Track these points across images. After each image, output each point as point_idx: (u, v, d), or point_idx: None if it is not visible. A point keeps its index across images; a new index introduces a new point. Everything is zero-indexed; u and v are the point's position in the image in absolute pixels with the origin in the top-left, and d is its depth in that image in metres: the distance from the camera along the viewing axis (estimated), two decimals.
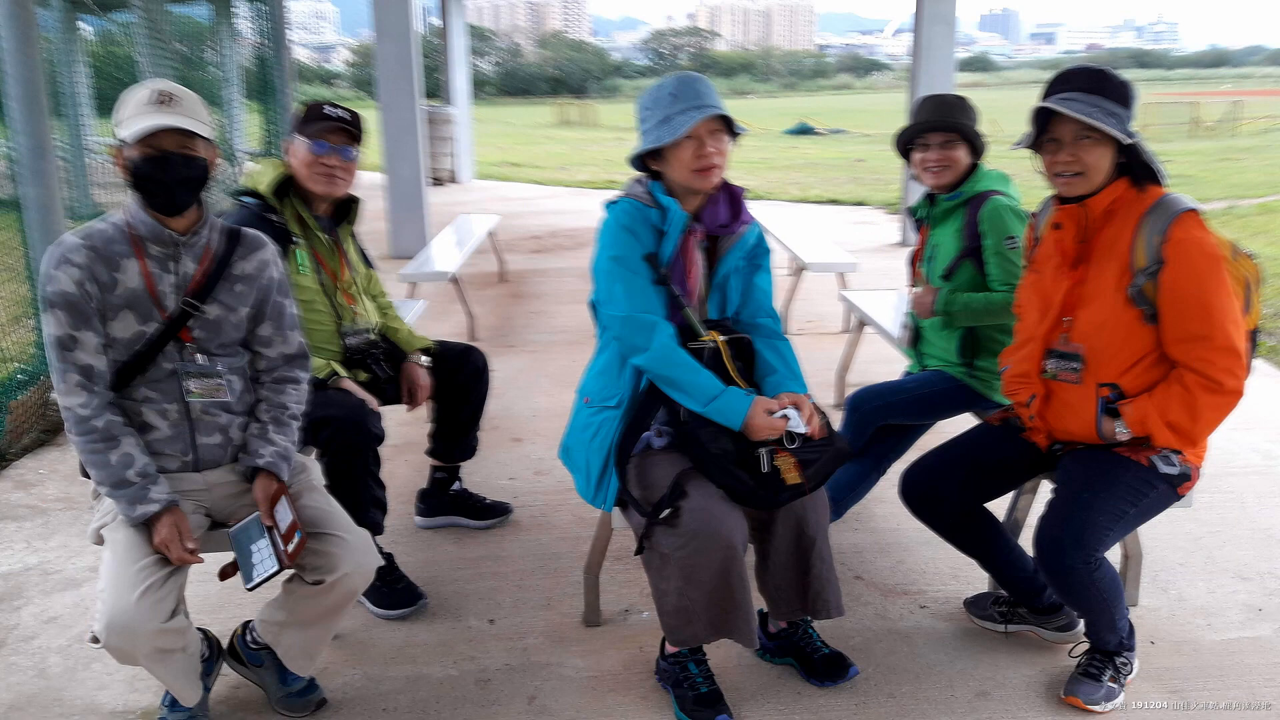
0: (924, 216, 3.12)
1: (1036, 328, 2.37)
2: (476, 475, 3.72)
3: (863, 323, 4.53)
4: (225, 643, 2.43)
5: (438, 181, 13.43)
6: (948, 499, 2.49)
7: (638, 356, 2.29)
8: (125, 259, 2.11)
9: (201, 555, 2.11)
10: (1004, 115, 20.33)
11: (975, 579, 2.92)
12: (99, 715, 2.38)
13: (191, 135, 2.07)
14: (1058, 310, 2.31)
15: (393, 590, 2.81)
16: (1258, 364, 4.47)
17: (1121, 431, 2.25)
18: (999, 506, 2.67)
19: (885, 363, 4.95)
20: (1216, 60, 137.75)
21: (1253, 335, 2.28)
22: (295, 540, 2.08)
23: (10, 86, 4.10)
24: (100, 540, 2.16)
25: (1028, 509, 2.91)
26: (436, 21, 15.02)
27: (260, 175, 2.79)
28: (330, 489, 2.48)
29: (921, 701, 2.39)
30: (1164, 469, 2.25)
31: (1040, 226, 2.42)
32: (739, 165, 16.82)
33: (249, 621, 2.39)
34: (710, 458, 2.23)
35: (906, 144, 3.04)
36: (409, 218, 8.44)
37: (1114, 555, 2.38)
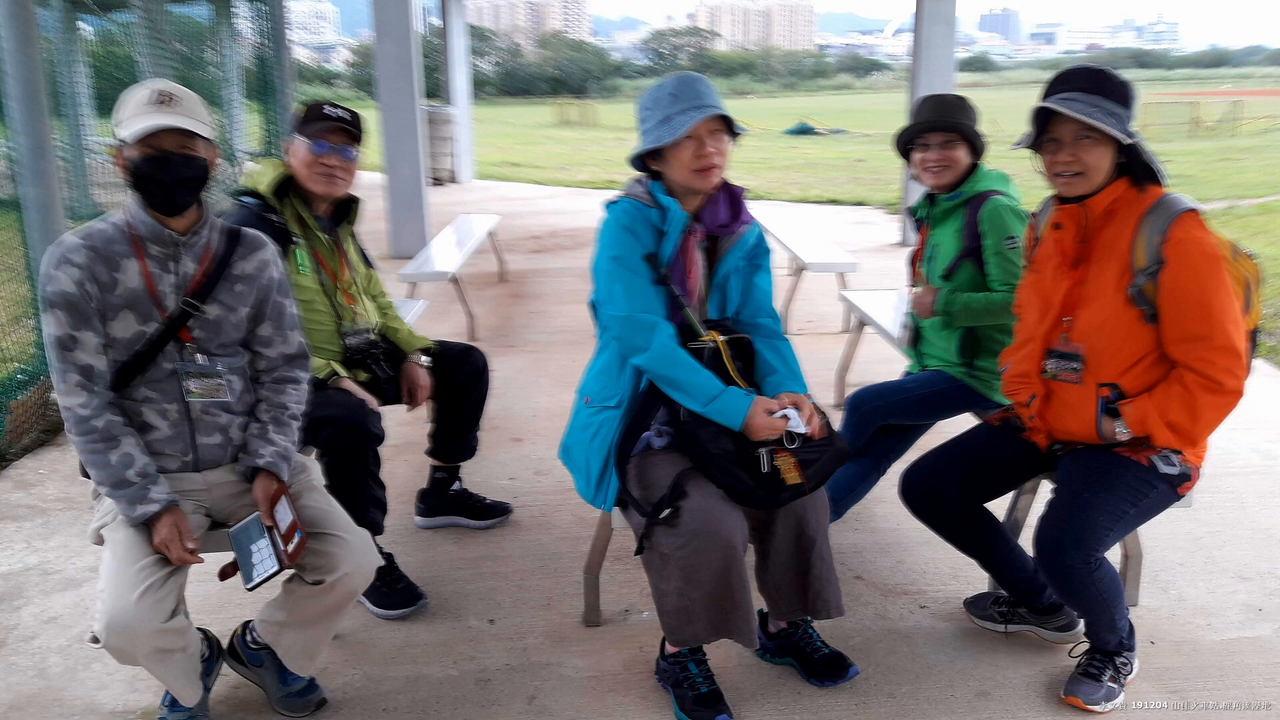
0: (924, 216, 3.12)
1: (1036, 328, 2.37)
2: (476, 475, 3.72)
3: (863, 323, 4.53)
4: (225, 643, 2.43)
5: (438, 181, 13.43)
6: (948, 499, 2.49)
7: (638, 356, 2.29)
8: (125, 259, 2.11)
9: (201, 555, 2.11)
10: (1004, 115, 20.33)
11: (975, 579, 2.92)
12: (99, 715, 2.38)
13: (191, 135, 2.07)
14: (1058, 310, 2.31)
15: (393, 590, 2.81)
16: (1258, 364, 4.47)
17: (1121, 431, 2.25)
18: (999, 506, 2.67)
19: (885, 363, 4.95)
20: (1216, 60, 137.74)
21: (1253, 335, 2.28)
22: (295, 540, 2.08)
23: (10, 86, 4.10)
24: (100, 540, 2.16)
25: (1028, 509, 2.91)
26: (436, 21, 15.02)
27: (260, 175, 2.79)
28: (330, 489, 2.48)
29: (921, 701, 2.39)
30: (1164, 469, 2.25)
31: (1040, 226, 2.42)
32: (739, 165, 16.82)
33: (249, 621, 2.39)
34: (710, 458, 2.23)
35: (906, 144, 3.04)
36: (409, 218, 8.44)
37: (1114, 555, 2.38)
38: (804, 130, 29.88)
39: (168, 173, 2.05)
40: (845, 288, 5.33)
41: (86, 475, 2.19)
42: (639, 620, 2.77)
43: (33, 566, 3.12)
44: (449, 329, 5.96)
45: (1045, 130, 2.23)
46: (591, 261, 2.39)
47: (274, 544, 2.09)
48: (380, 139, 8.11)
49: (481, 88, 61.28)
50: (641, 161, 2.37)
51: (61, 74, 8.97)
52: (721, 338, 2.36)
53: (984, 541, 2.56)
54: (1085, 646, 2.44)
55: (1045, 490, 2.47)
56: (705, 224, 2.37)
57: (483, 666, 2.56)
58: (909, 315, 3.20)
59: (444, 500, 3.35)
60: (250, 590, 2.06)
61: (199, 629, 2.31)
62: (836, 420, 2.90)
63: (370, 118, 3.86)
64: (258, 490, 2.20)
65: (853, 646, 2.60)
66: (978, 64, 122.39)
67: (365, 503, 2.66)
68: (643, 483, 2.31)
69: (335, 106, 2.78)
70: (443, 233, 7.10)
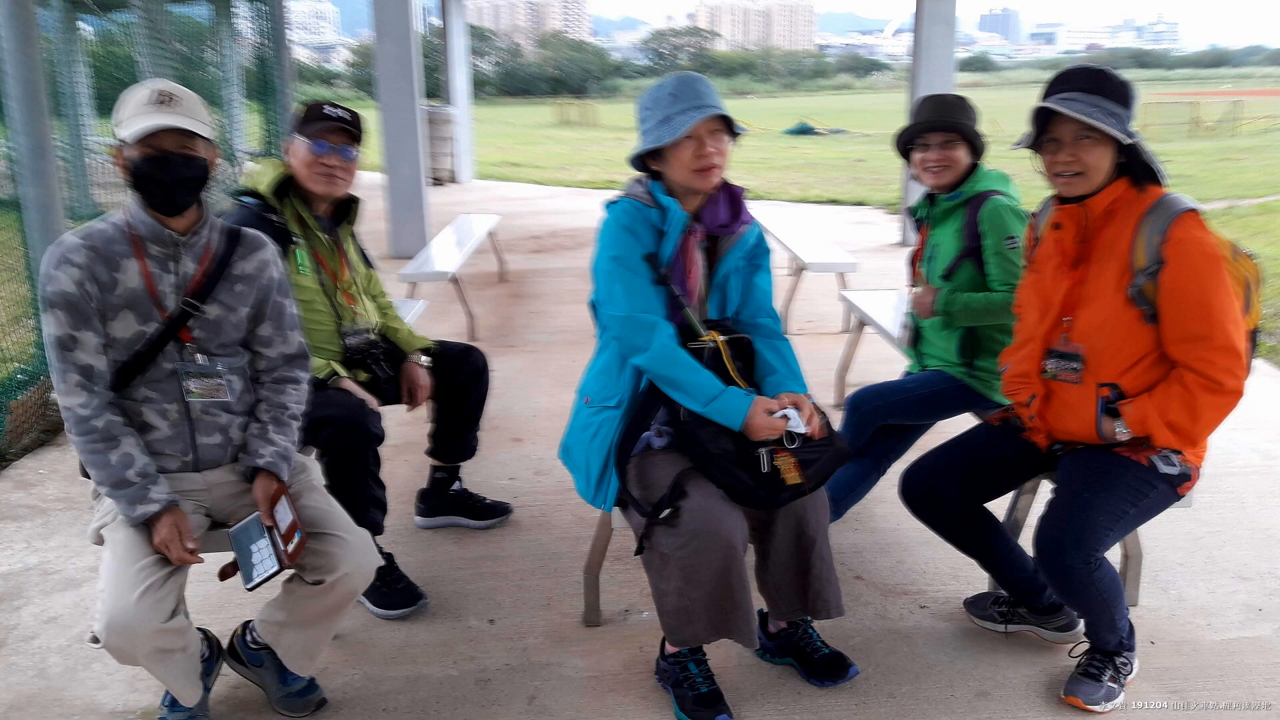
0: (924, 216, 3.12)
1: (1036, 328, 2.37)
2: (476, 475, 3.72)
3: (863, 323, 4.53)
4: (225, 643, 2.43)
5: (438, 181, 13.43)
6: (948, 499, 2.49)
7: (638, 356, 2.29)
8: (125, 259, 2.11)
9: (201, 555, 2.11)
10: (1004, 115, 20.33)
11: (975, 579, 2.92)
12: (99, 715, 2.38)
13: (191, 135, 2.07)
14: (1058, 310, 2.31)
15: (393, 590, 2.81)
16: (1258, 364, 4.47)
17: (1121, 431, 2.25)
18: (999, 506, 2.67)
19: (885, 363, 4.95)
20: (1216, 60, 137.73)
21: (1253, 335, 2.28)
22: (295, 540, 2.08)
23: (10, 86, 4.10)
24: (100, 540, 2.16)
25: (1028, 509, 2.91)
26: (436, 21, 15.03)
27: (260, 175, 2.79)
28: (330, 489, 2.48)
29: (921, 701, 2.39)
30: (1164, 469, 2.25)
31: (1040, 226, 2.42)
32: (739, 165, 16.82)
33: (249, 621, 2.39)
34: (710, 458, 2.22)
35: (906, 144, 3.04)
36: (409, 218, 8.44)
37: (1114, 555, 2.38)
38: (804, 130, 29.88)
39: (168, 173, 2.05)
40: (845, 288, 5.33)
41: (86, 475, 2.19)
42: (639, 620, 2.77)
43: (33, 566, 3.12)
44: (449, 329, 5.96)
45: (1045, 130, 2.23)
46: (591, 261, 2.39)
47: (274, 544, 2.09)
48: (380, 139, 8.12)
49: (481, 88, 61.28)
50: (641, 161, 2.37)
51: (61, 74, 8.97)
52: (721, 338, 2.36)
53: (984, 541, 2.56)
54: (1085, 646, 2.44)
55: (1045, 490, 2.47)
56: (705, 224, 2.37)
57: (483, 666, 2.56)
58: (909, 315, 3.20)
59: (444, 500, 3.35)
60: (250, 590, 2.06)
61: (199, 629, 2.31)
62: (836, 420, 2.90)
63: (370, 118, 3.86)
64: (258, 490, 2.20)
65: (853, 646, 2.60)
66: (978, 64, 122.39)
67: (365, 503, 2.66)
68: (643, 483, 2.31)
69: (335, 106, 2.78)
70: (443, 233, 7.11)
